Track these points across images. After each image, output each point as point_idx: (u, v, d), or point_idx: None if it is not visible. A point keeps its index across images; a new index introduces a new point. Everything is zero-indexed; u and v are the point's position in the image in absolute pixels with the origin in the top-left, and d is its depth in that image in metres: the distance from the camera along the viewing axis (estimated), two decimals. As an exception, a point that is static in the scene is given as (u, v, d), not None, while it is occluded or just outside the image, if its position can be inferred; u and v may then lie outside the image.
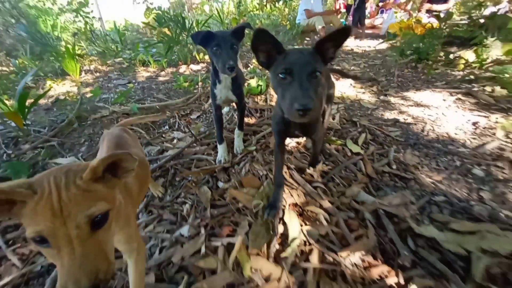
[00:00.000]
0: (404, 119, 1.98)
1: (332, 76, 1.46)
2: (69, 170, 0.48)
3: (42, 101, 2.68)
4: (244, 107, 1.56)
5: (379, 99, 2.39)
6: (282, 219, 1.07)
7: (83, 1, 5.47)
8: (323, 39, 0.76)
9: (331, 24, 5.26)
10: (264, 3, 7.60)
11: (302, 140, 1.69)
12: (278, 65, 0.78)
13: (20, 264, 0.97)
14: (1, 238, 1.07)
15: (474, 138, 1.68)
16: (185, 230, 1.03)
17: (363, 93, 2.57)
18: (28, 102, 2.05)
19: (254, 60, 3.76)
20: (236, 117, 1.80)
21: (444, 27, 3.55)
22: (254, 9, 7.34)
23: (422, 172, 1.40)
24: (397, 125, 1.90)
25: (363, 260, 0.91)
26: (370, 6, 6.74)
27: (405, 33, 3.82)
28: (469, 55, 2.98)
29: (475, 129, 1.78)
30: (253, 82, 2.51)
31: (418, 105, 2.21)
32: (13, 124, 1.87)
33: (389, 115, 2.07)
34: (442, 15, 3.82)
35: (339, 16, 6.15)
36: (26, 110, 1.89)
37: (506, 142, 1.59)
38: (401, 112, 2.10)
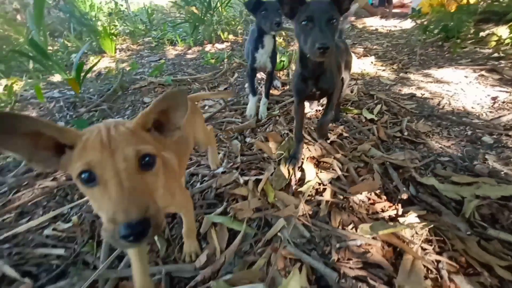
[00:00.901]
0: (421, 94, 2.05)
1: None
2: (117, 120, 0.51)
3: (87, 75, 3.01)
4: (273, 77, 1.76)
5: (398, 76, 2.44)
6: (301, 167, 1.27)
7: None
8: None
9: (356, 4, 5.11)
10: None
11: (320, 107, 1.84)
12: (301, 14, 0.94)
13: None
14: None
15: (490, 112, 1.74)
16: (219, 170, 1.26)
17: (383, 70, 2.62)
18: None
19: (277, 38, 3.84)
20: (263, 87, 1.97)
21: (481, 2, 3.37)
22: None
23: (432, 139, 1.52)
24: (413, 99, 1.98)
25: (368, 198, 1.10)
26: (400, -17, 6.39)
27: (436, 10, 3.68)
28: (502, 31, 2.85)
29: (494, 103, 1.82)
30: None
31: (437, 81, 2.25)
32: (70, 92, 2.20)
33: (406, 90, 2.14)
34: None
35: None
36: (81, 79, 2.20)
37: (523, 114, 1.64)
38: (419, 88, 2.16)
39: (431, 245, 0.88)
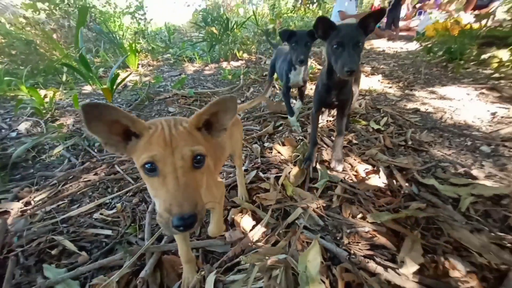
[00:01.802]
0: (425, 109, 2.21)
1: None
2: (175, 118, 0.57)
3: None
4: (305, 89, 2.06)
5: (404, 93, 2.62)
6: (314, 167, 1.43)
7: (138, 4, 6.28)
8: (366, 17, 1.09)
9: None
10: (298, 6, 7.92)
11: (331, 118, 2.03)
12: (332, 38, 1.12)
13: (133, 182, 1.45)
14: (119, 166, 1.58)
15: (490, 126, 1.88)
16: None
17: (390, 87, 2.81)
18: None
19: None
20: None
21: (484, 28, 3.59)
22: (288, 12, 7.70)
23: (434, 147, 1.67)
24: (417, 113, 2.15)
25: (375, 194, 1.24)
26: (407, 8, 6.72)
27: (440, 33, 3.90)
28: (503, 54, 3.04)
29: (493, 118, 1.97)
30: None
31: (441, 98, 2.41)
32: (103, 101, 2.46)
33: (411, 105, 2.31)
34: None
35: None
36: (114, 89, 2.47)
37: (519, 128, 1.77)
38: (423, 103, 2.33)
39: (429, 232, 1.01)
